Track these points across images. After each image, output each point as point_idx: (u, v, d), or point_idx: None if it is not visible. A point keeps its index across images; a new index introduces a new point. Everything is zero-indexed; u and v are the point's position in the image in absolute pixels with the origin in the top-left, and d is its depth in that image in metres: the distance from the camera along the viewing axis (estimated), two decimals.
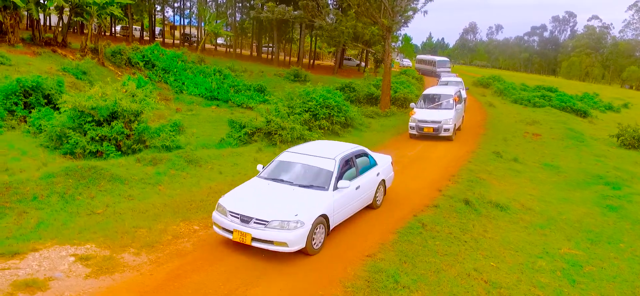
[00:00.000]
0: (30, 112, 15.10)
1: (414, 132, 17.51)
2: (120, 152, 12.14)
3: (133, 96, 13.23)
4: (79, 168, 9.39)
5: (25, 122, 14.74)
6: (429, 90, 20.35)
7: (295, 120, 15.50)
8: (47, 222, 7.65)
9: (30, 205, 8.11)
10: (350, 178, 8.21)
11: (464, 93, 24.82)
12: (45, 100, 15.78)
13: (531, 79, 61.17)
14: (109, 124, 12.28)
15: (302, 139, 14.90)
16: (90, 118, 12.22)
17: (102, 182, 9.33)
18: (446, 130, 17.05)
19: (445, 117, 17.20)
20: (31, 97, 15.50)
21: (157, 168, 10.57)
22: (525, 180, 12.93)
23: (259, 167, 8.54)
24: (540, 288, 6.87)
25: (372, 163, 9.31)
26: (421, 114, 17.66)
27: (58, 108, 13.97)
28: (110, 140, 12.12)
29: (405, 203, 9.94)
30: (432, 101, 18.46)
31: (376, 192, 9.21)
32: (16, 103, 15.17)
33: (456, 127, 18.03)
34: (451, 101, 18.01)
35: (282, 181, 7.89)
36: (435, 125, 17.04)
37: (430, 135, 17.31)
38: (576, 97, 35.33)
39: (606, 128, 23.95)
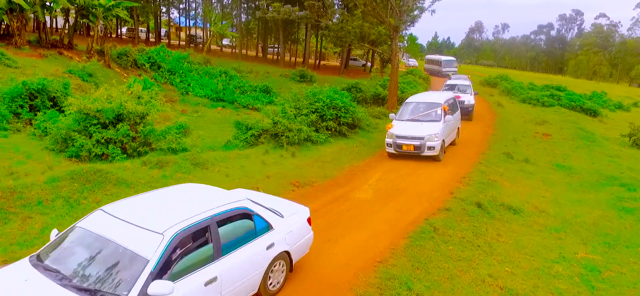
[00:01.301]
0: (35, 115, 15.01)
1: (391, 150, 14.26)
2: (126, 155, 12.01)
3: (139, 98, 13.11)
4: (85, 172, 9.26)
5: (31, 124, 14.66)
6: (412, 98, 16.76)
7: (302, 121, 15.31)
8: (51, 227, 7.48)
9: (35, 210, 7.98)
10: (200, 266, 4.98)
11: (472, 99, 22.69)
12: (51, 103, 15.69)
13: (538, 78, 60.65)
14: (115, 127, 12.16)
15: (309, 141, 14.75)
16: (95, 121, 12.10)
17: (108, 185, 9.20)
18: (430, 148, 13.74)
19: (429, 132, 13.85)
20: (37, 100, 15.41)
21: (163, 172, 10.43)
22: (538, 181, 12.67)
23: (53, 233, 5.35)
24: (559, 294, 6.64)
25: (260, 228, 5.84)
26: (399, 128, 14.33)
27: (63, 111, 13.88)
28: (115, 142, 12.00)
29: (417, 205, 9.74)
30: (416, 111, 15.29)
31: (267, 274, 5.84)
32: (22, 106, 15.08)
33: (445, 144, 14.75)
34: (439, 111, 14.87)
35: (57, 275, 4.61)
36: (417, 142, 13.80)
37: (411, 155, 14.14)
38: (585, 96, 34.89)
39: (617, 128, 23.57)
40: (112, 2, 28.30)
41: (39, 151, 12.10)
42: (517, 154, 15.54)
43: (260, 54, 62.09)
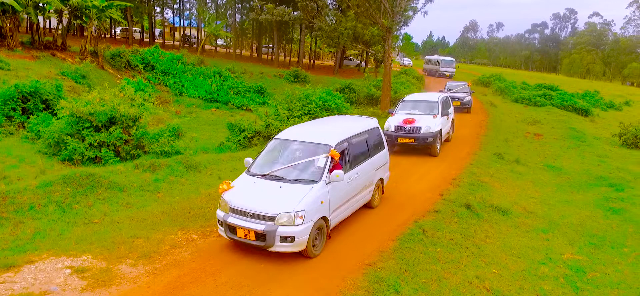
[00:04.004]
0: (28, 118, 15.04)
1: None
2: (118, 158, 12.08)
3: (131, 100, 13.15)
4: (77, 176, 9.31)
5: (24, 128, 14.69)
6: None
7: (295, 123, 15.40)
8: (43, 232, 7.57)
9: (27, 215, 8.03)
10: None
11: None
12: (44, 106, 15.72)
13: (532, 77, 61.01)
14: (108, 130, 12.23)
15: None
16: (88, 124, 12.17)
17: (100, 189, 9.25)
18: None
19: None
20: (29, 103, 15.44)
21: (155, 175, 10.49)
22: (527, 182, 12.82)
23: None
24: (544, 295, 6.77)
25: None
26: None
27: (56, 114, 13.91)
28: (108, 146, 12.07)
29: (406, 207, 9.85)
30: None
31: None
32: (14, 109, 15.12)
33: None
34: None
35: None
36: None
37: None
38: (577, 95, 35.18)
39: (608, 127, 23.83)
40: (106, 3, 28.26)
41: (32, 154, 12.15)
42: (508, 155, 15.69)
43: (254, 54, 62.08)
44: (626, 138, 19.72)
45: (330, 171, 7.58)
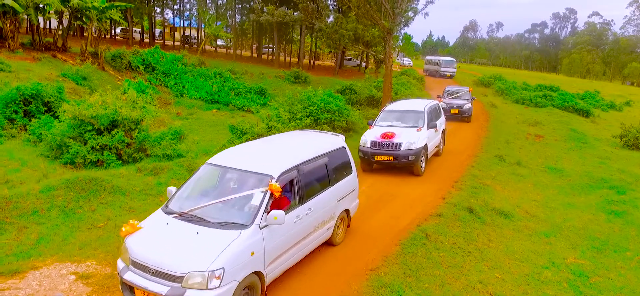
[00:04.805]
0: (30, 120, 15.03)
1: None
2: (121, 161, 12.06)
3: (134, 102, 13.15)
4: (80, 181, 9.31)
5: (26, 130, 14.66)
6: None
7: (297, 125, 15.41)
8: (47, 238, 7.58)
9: (31, 220, 8.04)
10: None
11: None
12: (45, 108, 15.70)
13: (532, 77, 61.02)
14: (110, 133, 12.20)
15: None
16: (90, 127, 12.14)
17: (103, 193, 9.26)
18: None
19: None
20: (31, 105, 15.41)
21: (158, 179, 10.50)
22: (529, 184, 12.84)
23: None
24: None
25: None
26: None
27: (58, 117, 13.90)
28: (110, 149, 12.04)
29: (409, 211, 9.86)
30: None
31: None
32: (16, 112, 15.08)
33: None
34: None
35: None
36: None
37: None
38: (578, 95, 35.20)
39: (609, 128, 23.83)
40: (106, 4, 28.24)
41: (34, 158, 12.13)
42: (510, 157, 15.71)
43: (254, 54, 62.08)
44: (627, 140, 19.73)
45: (269, 210, 5.91)
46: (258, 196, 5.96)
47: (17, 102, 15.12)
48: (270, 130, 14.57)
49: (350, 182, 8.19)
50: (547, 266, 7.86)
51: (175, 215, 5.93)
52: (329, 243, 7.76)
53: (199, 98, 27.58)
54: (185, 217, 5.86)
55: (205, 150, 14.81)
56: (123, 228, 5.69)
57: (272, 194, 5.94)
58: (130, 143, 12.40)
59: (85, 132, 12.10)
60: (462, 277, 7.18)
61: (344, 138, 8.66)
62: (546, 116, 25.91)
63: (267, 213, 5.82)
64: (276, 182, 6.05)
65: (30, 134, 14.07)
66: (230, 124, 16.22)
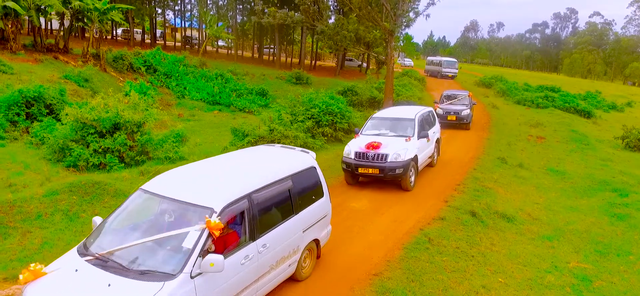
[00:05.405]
0: (32, 123, 15.07)
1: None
2: (123, 164, 12.10)
3: (136, 105, 13.18)
4: (83, 184, 9.34)
5: (28, 133, 14.71)
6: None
7: (299, 128, 15.43)
8: (51, 242, 7.59)
9: (34, 224, 8.05)
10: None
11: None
12: (47, 111, 15.74)
13: (533, 77, 61.01)
14: (112, 136, 12.25)
15: (306, 147, 14.85)
16: (92, 130, 12.19)
17: (106, 197, 9.27)
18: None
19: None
20: (33, 108, 15.46)
21: None
22: (531, 187, 12.83)
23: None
24: None
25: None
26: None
27: (60, 119, 13.94)
28: (113, 152, 12.08)
29: (412, 214, 9.86)
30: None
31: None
32: (18, 114, 15.13)
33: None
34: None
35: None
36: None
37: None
38: (579, 96, 35.19)
39: (611, 130, 23.81)
40: (108, 6, 28.29)
41: (37, 161, 12.16)
42: (512, 159, 15.70)
43: (255, 55, 62.14)
44: (629, 141, 19.72)
45: (208, 251, 4.83)
46: (192, 235, 4.74)
47: (19, 104, 15.17)
48: (272, 133, 14.60)
49: (320, 207, 6.99)
50: (550, 270, 7.86)
51: (89, 257, 4.80)
52: (293, 279, 6.65)
53: (201, 99, 27.64)
54: (100, 261, 4.71)
55: (207, 152, 14.84)
56: (20, 276, 4.60)
57: (210, 234, 4.76)
58: (132, 146, 12.43)
59: (87, 135, 12.14)
60: (465, 282, 7.18)
61: (314, 155, 7.46)
62: (548, 117, 25.91)
63: (203, 257, 4.66)
64: (218, 216, 4.88)
65: (32, 137, 14.11)
66: (232, 126, 16.26)
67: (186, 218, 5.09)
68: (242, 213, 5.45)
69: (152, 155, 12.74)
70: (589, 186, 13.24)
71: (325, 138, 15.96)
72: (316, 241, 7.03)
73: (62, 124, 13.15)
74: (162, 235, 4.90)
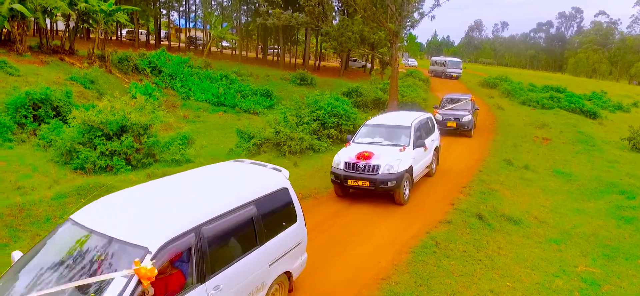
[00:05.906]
0: (39, 125, 15.17)
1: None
2: (130, 167, 12.16)
3: (142, 108, 13.25)
4: (91, 187, 9.40)
5: (35, 135, 14.81)
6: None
7: (304, 130, 15.45)
8: None
9: (43, 228, 8.11)
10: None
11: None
12: (54, 113, 15.84)
13: (538, 77, 60.78)
14: (119, 138, 12.31)
15: (311, 149, 14.88)
16: (99, 133, 12.26)
17: None
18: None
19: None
20: (40, 110, 15.56)
21: None
22: (537, 189, 12.79)
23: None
24: None
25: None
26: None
27: (67, 121, 14.04)
28: (120, 154, 12.15)
29: (418, 218, 9.86)
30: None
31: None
32: (26, 116, 15.24)
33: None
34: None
35: None
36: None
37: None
38: (585, 96, 35.03)
39: (617, 131, 23.69)
40: (113, 7, 28.41)
41: (44, 163, 12.24)
42: (517, 160, 15.66)
43: (260, 56, 62.20)
44: (636, 143, 19.60)
45: None
46: (118, 284, 3.77)
47: (26, 106, 15.27)
48: (277, 135, 14.62)
49: (293, 234, 5.98)
50: (558, 274, 7.83)
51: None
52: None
53: (205, 100, 27.70)
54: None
55: (213, 154, 14.90)
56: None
57: (140, 284, 3.80)
58: (139, 148, 12.49)
59: (94, 138, 12.21)
60: (473, 286, 7.18)
61: (287, 174, 6.39)
62: (553, 118, 25.80)
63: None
64: (153, 258, 3.93)
65: (40, 139, 14.20)
66: (237, 128, 16.28)
67: (116, 258, 4.09)
68: (190, 249, 4.43)
69: (158, 157, 12.80)
70: (596, 188, 13.18)
71: (331, 140, 15.98)
72: (287, 274, 6.00)
73: (69, 126, 13.24)
74: (80, 282, 3.88)
